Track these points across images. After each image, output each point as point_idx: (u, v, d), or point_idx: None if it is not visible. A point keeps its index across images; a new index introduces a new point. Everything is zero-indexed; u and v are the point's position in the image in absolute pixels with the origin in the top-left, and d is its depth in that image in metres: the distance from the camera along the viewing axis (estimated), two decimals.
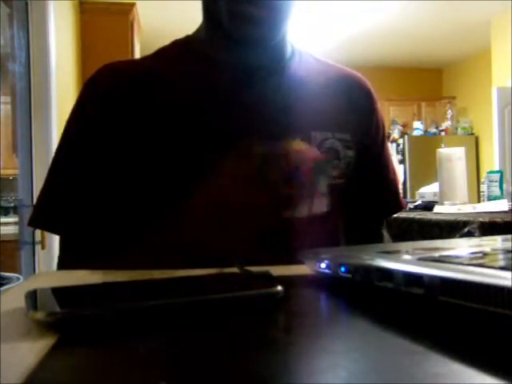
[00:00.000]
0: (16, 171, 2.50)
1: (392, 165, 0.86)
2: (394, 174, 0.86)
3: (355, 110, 0.77)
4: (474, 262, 0.32)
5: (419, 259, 0.35)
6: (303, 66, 0.76)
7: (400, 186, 0.91)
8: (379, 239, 0.86)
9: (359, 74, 0.82)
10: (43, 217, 0.70)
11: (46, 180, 0.71)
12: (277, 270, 0.40)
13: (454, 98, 6.69)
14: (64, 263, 0.71)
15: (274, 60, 0.73)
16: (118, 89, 0.69)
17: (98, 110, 0.69)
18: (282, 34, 0.70)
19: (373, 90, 0.82)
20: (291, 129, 0.69)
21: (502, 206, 1.82)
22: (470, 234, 1.38)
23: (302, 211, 0.68)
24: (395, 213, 0.89)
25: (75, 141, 0.70)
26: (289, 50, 0.76)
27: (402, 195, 0.88)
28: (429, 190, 2.31)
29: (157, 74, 0.70)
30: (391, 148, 5.83)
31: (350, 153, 0.74)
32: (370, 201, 0.83)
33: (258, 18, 0.64)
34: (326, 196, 0.71)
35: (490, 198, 2.12)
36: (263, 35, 0.67)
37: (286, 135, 0.68)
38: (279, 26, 0.68)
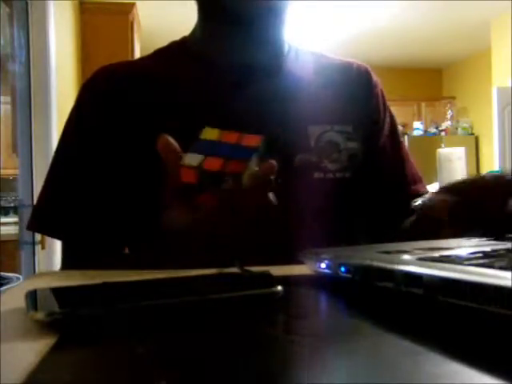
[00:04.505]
0: (16, 171, 2.50)
1: (406, 150, 0.80)
2: (410, 158, 0.80)
3: (354, 97, 0.75)
4: (474, 262, 0.32)
5: (419, 259, 0.35)
6: (299, 61, 0.76)
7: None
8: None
9: (357, 61, 0.79)
10: (42, 220, 0.70)
11: (45, 183, 0.70)
12: (277, 270, 0.40)
13: (453, 98, 6.70)
14: (66, 267, 0.71)
15: (270, 57, 0.73)
16: (115, 91, 0.69)
17: (96, 112, 0.69)
18: (279, 20, 0.69)
19: (373, 74, 0.79)
20: (289, 125, 0.69)
21: None
22: None
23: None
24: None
25: (74, 144, 0.70)
26: (285, 47, 0.76)
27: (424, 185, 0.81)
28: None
29: (154, 75, 0.71)
30: None
31: (353, 144, 0.72)
32: (394, 189, 0.77)
33: None
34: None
35: None
36: (260, 16, 0.65)
37: (283, 132, 0.68)
38: (276, 6, 0.66)
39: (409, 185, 0.79)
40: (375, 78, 0.79)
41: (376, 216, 0.79)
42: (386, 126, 0.78)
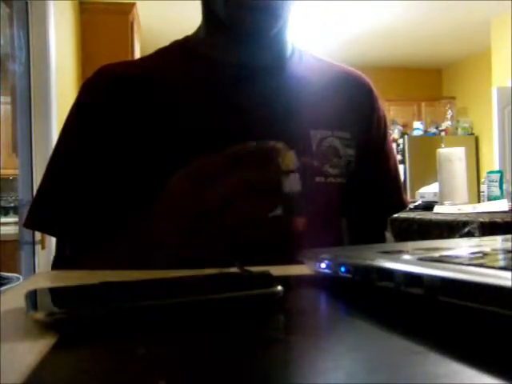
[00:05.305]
0: (16, 171, 2.50)
1: (395, 163, 0.84)
2: (397, 172, 0.84)
3: (355, 108, 0.76)
4: (474, 261, 0.32)
5: (419, 259, 0.35)
6: (303, 64, 0.76)
7: None
8: (382, 239, 0.85)
9: (360, 72, 0.81)
10: (38, 218, 0.70)
11: (42, 181, 0.70)
12: (277, 270, 0.40)
13: (453, 98, 6.70)
14: (59, 263, 0.71)
15: (273, 59, 0.73)
16: (116, 91, 0.69)
17: (96, 112, 0.69)
18: (281, 24, 0.69)
19: (374, 88, 0.81)
20: (290, 129, 0.69)
21: (502, 205, 1.82)
22: (470, 234, 1.38)
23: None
24: (399, 211, 0.87)
25: (73, 144, 0.70)
26: (289, 48, 0.76)
27: (405, 194, 0.87)
28: (429, 190, 2.31)
29: (156, 75, 0.70)
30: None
31: (350, 151, 0.74)
32: (373, 199, 0.81)
33: (255, 3, 0.64)
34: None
35: (489, 198, 2.12)
36: (261, 22, 0.65)
37: (285, 135, 0.68)
38: (277, 12, 0.66)
39: (386, 198, 0.83)
40: (376, 92, 0.81)
41: (354, 222, 0.82)
42: (379, 139, 0.80)
